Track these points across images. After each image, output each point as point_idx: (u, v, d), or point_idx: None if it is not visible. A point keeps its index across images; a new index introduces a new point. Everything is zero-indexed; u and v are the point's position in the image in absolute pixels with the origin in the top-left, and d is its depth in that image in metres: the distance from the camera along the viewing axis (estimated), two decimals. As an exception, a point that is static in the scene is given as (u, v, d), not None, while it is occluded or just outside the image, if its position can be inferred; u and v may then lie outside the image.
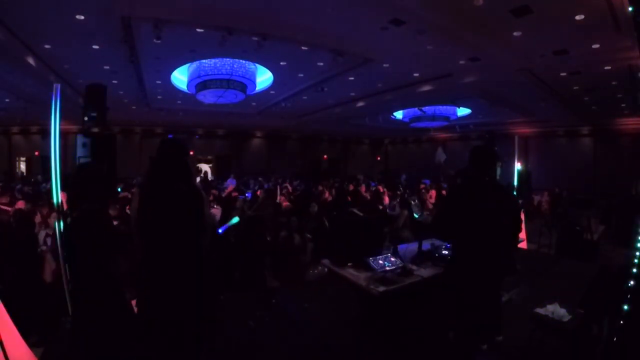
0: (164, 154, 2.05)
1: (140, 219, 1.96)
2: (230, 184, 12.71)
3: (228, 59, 9.49)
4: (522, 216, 7.03)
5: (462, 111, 15.22)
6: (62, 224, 2.78)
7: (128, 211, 5.33)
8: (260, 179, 15.37)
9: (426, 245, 3.42)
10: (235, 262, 4.75)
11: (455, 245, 2.50)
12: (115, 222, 4.64)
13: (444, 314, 2.35)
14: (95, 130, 3.65)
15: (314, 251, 4.99)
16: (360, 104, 13.68)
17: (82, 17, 6.29)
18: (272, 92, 12.39)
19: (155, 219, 1.95)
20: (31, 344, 2.64)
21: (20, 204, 5.36)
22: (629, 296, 2.46)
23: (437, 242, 3.50)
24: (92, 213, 2.13)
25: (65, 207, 2.85)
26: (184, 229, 1.98)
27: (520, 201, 6.87)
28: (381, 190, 9.79)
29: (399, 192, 9.99)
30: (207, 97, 10.85)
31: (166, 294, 1.94)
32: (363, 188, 10.14)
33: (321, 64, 9.25)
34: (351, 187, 10.31)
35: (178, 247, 1.96)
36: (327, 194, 7.35)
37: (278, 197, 8.14)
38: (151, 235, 1.97)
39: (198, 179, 14.14)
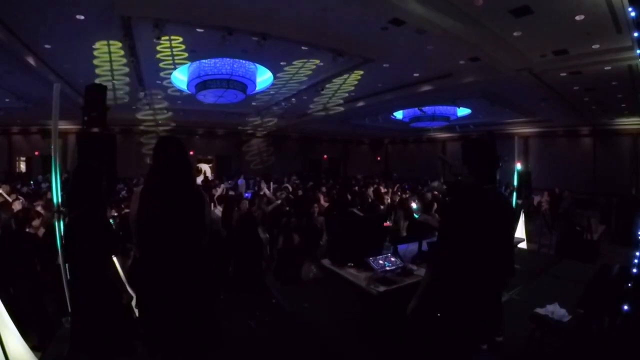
0: (163, 153, 2.02)
1: (141, 219, 1.95)
2: (240, 184, 12.81)
3: (228, 59, 9.49)
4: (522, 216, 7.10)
5: (462, 111, 15.22)
6: (61, 223, 2.79)
7: (127, 210, 5.33)
8: (257, 178, 15.36)
9: (426, 245, 3.42)
10: (235, 261, 4.75)
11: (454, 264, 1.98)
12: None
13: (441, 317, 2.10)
14: (95, 130, 3.65)
15: (303, 251, 4.99)
16: (360, 104, 13.68)
17: (82, 17, 6.29)
18: (272, 92, 12.39)
19: (155, 219, 1.94)
20: (31, 346, 2.64)
21: (18, 205, 5.33)
22: (629, 296, 2.46)
23: (437, 242, 3.50)
24: (90, 213, 2.13)
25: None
26: (184, 230, 1.97)
27: (519, 201, 6.87)
28: (382, 190, 9.78)
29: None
30: (207, 97, 10.86)
31: (165, 294, 1.93)
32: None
33: (321, 64, 9.25)
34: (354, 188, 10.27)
35: (178, 247, 1.95)
36: (322, 200, 7.33)
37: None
38: (151, 235, 1.95)
39: (199, 179, 14.14)
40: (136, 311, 2.10)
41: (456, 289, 1.96)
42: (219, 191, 7.96)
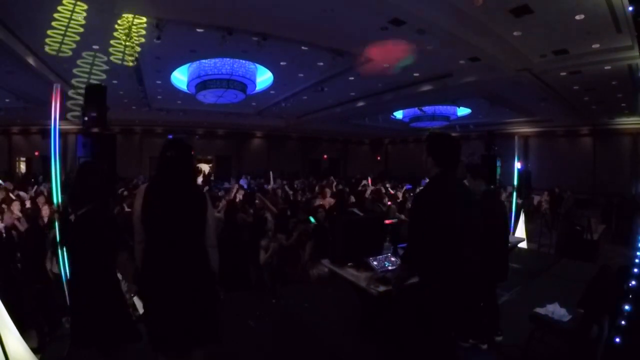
0: (169, 155, 2.06)
1: (143, 216, 1.97)
2: (243, 185, 12.76)
3: (228, 59, 9.50)
4: (522, 216, 7.10)
5: (462, 111, 15.23)
6: (62, 223, 2.78)
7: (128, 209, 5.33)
8: (253, 179, 15.34)
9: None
10: (236, 261, 4.75)
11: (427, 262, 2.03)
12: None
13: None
14: (95, 130, 3.65)
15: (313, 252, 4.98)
16: (360, 104, 13.69)
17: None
18: (272, 92, 12.40)
19: (158, 217, 1.96)
20: (31, 347, 2.64)
21: (16, 206, 5.32)
22: (629, 296, 2.46)
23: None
24: (96, 211, 2.16)
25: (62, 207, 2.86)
26: (185, 228, 1.99)
27: (519, 201, 6.87)
28: (383, 190, 9.76)
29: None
30: (207, 97, 10.87)
31: (167, 293, 1.94)
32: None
33: (321, 64, 9.25)
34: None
35: (179, 246, 1.98)
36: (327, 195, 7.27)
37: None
38: (153, 233, 1.98)
39: (199, 179, 14.10)
40: (139, 308, 2.11)
41: (427, 280, 2.03)
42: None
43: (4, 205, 4.93)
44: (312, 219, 5.28)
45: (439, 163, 2.02)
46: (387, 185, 12.42)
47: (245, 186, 12.83)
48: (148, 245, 1.99)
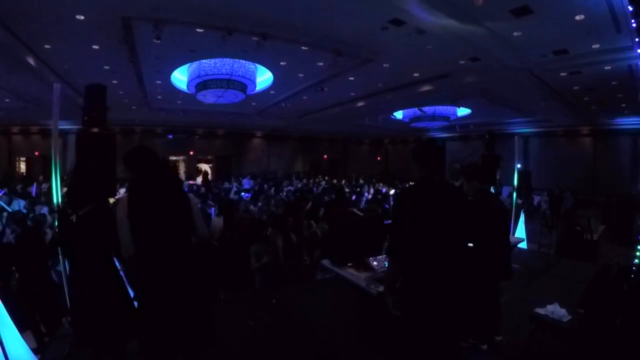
0: (141, 161, 2.07)
1: (131, 223, 1.97)
2: (246, 185, 12.77)
3: (228, 59, 9.49)
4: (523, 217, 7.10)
5: (462, 111, 15.22)
6: (62, 223, 2.78)
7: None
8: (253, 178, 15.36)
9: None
10: (235, 262, 4.75)
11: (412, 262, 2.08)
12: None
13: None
14: (95, 130, 3.65)
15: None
16: (360, 104, 13.68)
17: (82, 17, 6.29)
18: (272, 92, 12.39)
19: (145, 222, 1.97)
20: (31, 347, 2.64)
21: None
22: (629, 296, 2.46)
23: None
24: (99, 209, 2.18)
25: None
26: (173, 231, 2.01)
27: (520, 201, 6.86)
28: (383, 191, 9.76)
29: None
30: (207, 97, 10.86)
31: (160, 295, 1.95)
32: None
33: (321, 64, 9.24)
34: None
35: (169, 249, 1.99)
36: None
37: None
38: (142, 238, 1.98)
39: (199, 179, 14.08)
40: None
41: (413, 279, 2.06)
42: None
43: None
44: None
45: (422, 167, 2.21)
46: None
47: (247, 186, 12.85)
48: (138, 249, 1.99)
